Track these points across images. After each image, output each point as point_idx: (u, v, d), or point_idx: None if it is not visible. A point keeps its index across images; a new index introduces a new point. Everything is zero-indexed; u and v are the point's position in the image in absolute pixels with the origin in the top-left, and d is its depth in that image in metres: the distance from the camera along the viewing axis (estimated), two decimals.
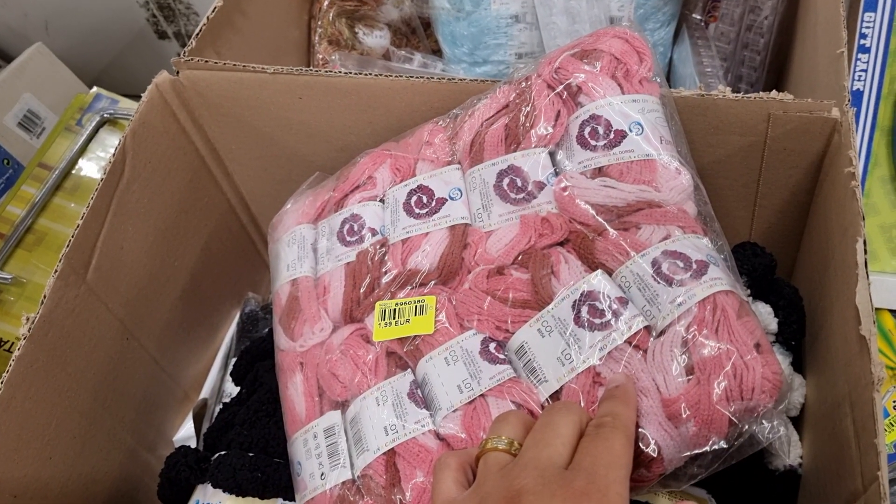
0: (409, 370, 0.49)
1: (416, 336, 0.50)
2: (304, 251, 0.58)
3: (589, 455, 0.36)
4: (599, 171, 0.49)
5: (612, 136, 0.49)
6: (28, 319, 0.51)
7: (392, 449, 0.46)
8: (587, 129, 0.50)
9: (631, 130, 0.49)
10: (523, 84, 0.54)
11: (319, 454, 0.49)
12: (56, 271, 0.53)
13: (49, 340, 0.52)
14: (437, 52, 0.86)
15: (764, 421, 0.40)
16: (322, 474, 0.48)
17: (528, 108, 0.53)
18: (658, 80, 0.52)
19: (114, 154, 0.58)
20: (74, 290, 0.55)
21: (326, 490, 0.48)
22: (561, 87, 0.52)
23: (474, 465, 0.39)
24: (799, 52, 0.70)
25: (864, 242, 0.43)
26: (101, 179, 0.57)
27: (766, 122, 0.53)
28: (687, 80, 0.80)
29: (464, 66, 0.82)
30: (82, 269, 0.56)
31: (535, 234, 0.50)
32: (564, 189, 0.49)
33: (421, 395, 0.48)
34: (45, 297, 0.52)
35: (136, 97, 0.63)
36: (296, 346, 0.55)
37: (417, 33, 0.86)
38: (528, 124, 0.52)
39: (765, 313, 0.53)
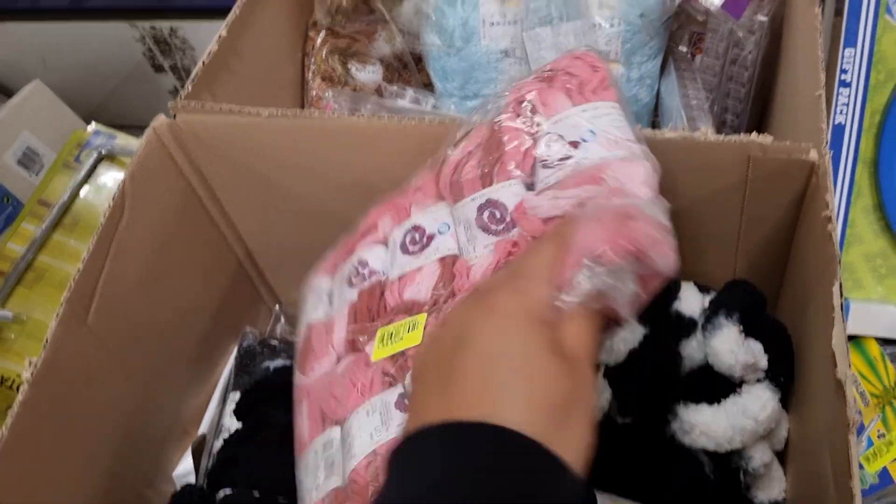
0: (399, 384, 0.51)
1: (405, 350, 0.51)
2: (320, 299, 0.60)
3: None
4: (554, 186, 0.51)
5: (566, 150, 0.51)
6: (31, 363, 0.52)
7: (373, 450, 0.48)
8: (546, 150, 0.52)
9: (584, 140, 0.51)
10: (496, 117, 0.56)
11: (317, 468, 0.51)
12: (57, 316, 0.54)
13: (52, 384, 0.53)
14: (428, 85, 0.88)
15: None
16: (317, 486, 0.50)
17: (500, 141, 0.55)
18: (613, 87, 0.54)
19: (113, 198, 0.60)
20: (76, 334, 0.56)
21: (319, 499, 0.49)
22: (521, 107, 0.54)
23: None
24: (782, 89, 0.72)
25: (840, 286, 0.45)
26: (101, 224, 0.58)
27: (746, 164, 0.54)
28: (673, 112, 0.81)
29: (455, 100, 0.84)
30: (83, 312, 0.57)
31: (503, 256, 0.51)
32: (521, 212, 0.51)
33: (407, 404, 0.49)
34: (46, 341, 0.53)
35: (134, 128, 0.65)
36: (306, 379, 0.57)
37: (409, 68, 0.88)
38: (500, 158, 0.54)
39: (756, 350, 0.54)
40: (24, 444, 0.51)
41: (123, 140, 0.93)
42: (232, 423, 0.68)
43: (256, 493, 0.57)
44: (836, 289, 0.45)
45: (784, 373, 0.55)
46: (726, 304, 0.54)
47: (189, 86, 0.65)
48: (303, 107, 0.87)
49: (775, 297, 0.63)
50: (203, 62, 0.67)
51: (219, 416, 0.71)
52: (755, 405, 0.51)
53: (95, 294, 0.58)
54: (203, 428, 0.70)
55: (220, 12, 0.72)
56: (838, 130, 0.72)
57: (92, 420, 0.58)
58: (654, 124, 0.86)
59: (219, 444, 0.67)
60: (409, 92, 0.85)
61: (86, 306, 0.57)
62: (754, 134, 0.54)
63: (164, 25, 1.05)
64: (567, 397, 0.31)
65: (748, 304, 0.56)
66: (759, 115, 0.83)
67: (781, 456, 0.54)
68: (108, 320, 0.59)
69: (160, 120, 0.64)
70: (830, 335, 0.43)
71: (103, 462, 0.60)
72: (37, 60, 1.14)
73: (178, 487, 0.65)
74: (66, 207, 0.88)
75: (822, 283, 0.47)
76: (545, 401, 0.31)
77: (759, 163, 0.54)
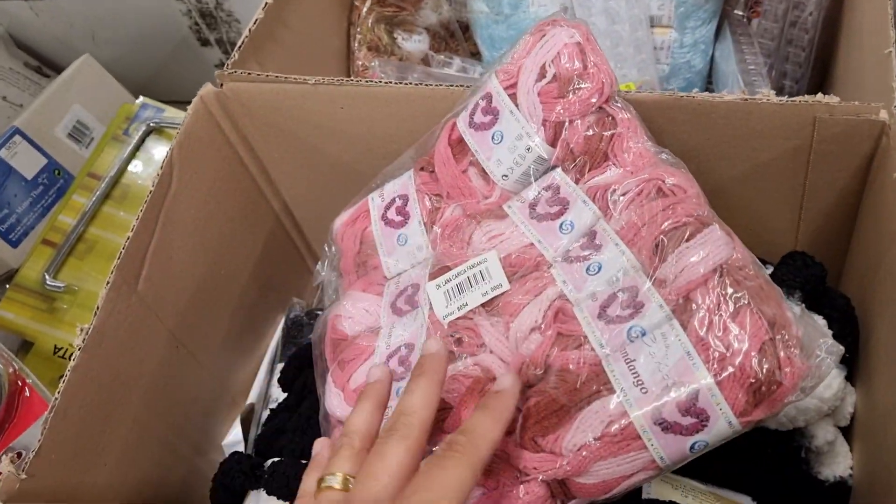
0: None
1: None
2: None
3: (419, 488, 0.34)
4: None
5: None
6: (82, 330, 0.53)
7: None
8: None
9: None
10: None
11: None
12: (108, 283, 0.54)
13: (102, 350, 0.54)
14: (475, 54, 0.86)
15: None
16: None
17: None
18: None
19: (161, 166, 0.60)
20: (126, 301, 0.56)
21: None
22: None
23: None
24: (845, 50, 0.69)
25: None
26: (150, 192, 0.58)
27: (811, 126, 0.52)
28: (729, 78, 0.79)
29: None
30: (133, 279, 0.57)
31: None
32: None
33: None
34: (98, 308, 0.53)
35: (181, 103, 0.64)
36: None
37: (456, 37, 0.86)
38: None
39: (819, 325, 0.52)
40: (75, 410, 0.51)
41: (171, 113, 0.93)
42: (279, 394, 0.68)
43: (304, 462, 0.57)
44: None
45: (849, 348, 0.53)
46: (785, 280, 0.52)
47: (236, 54, 0.64)
48: (349, 77, 0.86)
49: (840, 268, 0.60)
50: (249, 30, 0.66)
51: (266, 386, 0.71)
52: None
53: (145, 262, 0.58)
54: (251, 398, 0.70)
55: None
56: None
57: (142, 387, 0.58)
58: (708, 91, 0.83)
59: (266, 413, 0.67)
60: (457, 61, 0.84)
61: (136, 274, 0.57)
62: (820, 95, 0.51)
63: None
64: None
65: (808, 278, 0.53)
66: (819, 79, 0.80)
67: (848, 431, 0.52)
68: (157, 288, 0.59)
69: (207, 89, 0.63)
70: None
71: (153, 429, 0.60)
72: (86, 35, 1.14)
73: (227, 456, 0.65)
74: (116, 180, 0.88)
75: (892, 248, 0.45)
76: None
77: (826, 124, 0.51)
